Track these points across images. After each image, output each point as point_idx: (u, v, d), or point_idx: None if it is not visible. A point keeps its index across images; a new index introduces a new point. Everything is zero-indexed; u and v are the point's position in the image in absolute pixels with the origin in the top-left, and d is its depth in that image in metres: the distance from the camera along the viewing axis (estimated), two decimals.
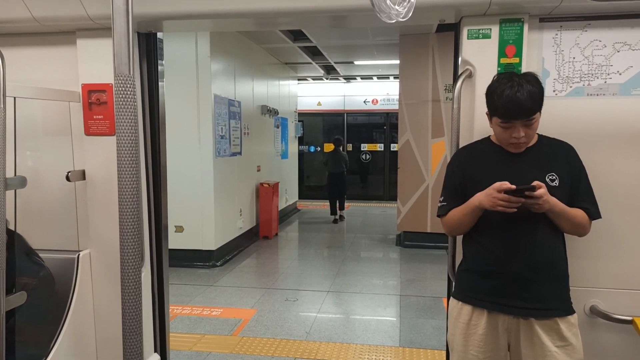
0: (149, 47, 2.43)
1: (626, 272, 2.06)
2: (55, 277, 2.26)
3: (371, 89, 12.20)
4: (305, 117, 12.32)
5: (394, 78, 10.99)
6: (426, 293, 5.15)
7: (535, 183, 1.62)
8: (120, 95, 0.97)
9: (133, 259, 1.02)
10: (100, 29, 2.22)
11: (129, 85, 0.96)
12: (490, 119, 1.81)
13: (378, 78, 11.92)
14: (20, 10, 2.16)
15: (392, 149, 11.97)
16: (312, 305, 4.80)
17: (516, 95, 1.65)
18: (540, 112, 1.73)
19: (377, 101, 12.19)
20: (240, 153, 7.04)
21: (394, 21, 0.88)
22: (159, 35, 2.48)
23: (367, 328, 4.22)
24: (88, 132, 2.32)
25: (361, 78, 12.08)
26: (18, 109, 2.11)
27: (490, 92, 1.75)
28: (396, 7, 0.87)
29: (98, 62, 2.26)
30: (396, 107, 7.78)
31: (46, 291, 2.22)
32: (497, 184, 1.66)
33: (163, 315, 2.61)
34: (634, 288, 2.06)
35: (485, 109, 1.84)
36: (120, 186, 1.00)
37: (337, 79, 12.26)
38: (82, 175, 2.34)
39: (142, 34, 2.39)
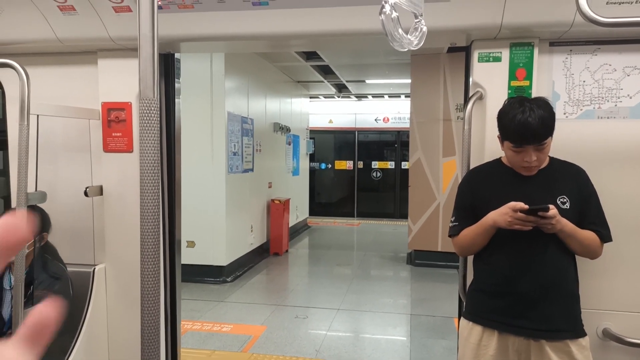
0: (167, 67, 2.51)
1: (639, 294, 2.06)
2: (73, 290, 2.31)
3: (382, 107, 12.27)
4: (317, 135, 12.40)
5: (405, 96, 11.04)
6: (437, 313, 5.11)
7: (543, 206, 1.64)
8: (145, 117, 1.02)
9: (153, 275, 1.06)
10: (121, 49, 2.29)
11: (153, 109, 1.01)
12: (502, 142, 1.83)
13: (389, 96, 11.99)
14: (45, 32, 2.25)
15: (403, 167, 11.98)
16: (322, 323, 4.79)
17: (528, 121, 1.66)
18: (552, 137, 1.75)
19: (388, 119, 12.24)
20: (252, 169, 7.11)
21: (405, 49, 0.92)
22: (177, 55, 2.55)
23: (377, 347, 4.19)
24: (107, 148, 2.39)
25: (372, 96, 12.16)
26: (40, 125, 2.19)
27: (502, 117, 1.77)
28: (409, 36, 0.91)
29: (118, 81, 2.33)
30: (407, 125, 7.82)
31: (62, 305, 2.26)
32: (512, 204, 1.68)
33: (175, 330, 2.64)
34: None
35: (496, 131, 1.87)
36: (142, 205, 1.04)
37: (349, 97, 12.35)
38: (100, 190, 2.40)
39: (161, 55, 2.46)
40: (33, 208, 2.08)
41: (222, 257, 6.17)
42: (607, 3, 1.80)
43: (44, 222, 2.25)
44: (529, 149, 1.71)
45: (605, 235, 1.79)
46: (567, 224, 1.70)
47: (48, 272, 2.26)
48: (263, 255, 7.65)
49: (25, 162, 1.93)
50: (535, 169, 1.79)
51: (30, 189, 2.11)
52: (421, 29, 0.97)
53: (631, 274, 2.05)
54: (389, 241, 9.55)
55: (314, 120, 12.28)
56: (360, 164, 12.50)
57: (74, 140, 2.48)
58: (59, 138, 2.51)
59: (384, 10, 0.88)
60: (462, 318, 1.96)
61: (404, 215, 10.14)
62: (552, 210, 1.64)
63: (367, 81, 10.00)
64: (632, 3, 1.80)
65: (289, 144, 9.54)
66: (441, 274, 6.59)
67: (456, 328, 2.51)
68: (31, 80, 1.97)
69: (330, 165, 12.85)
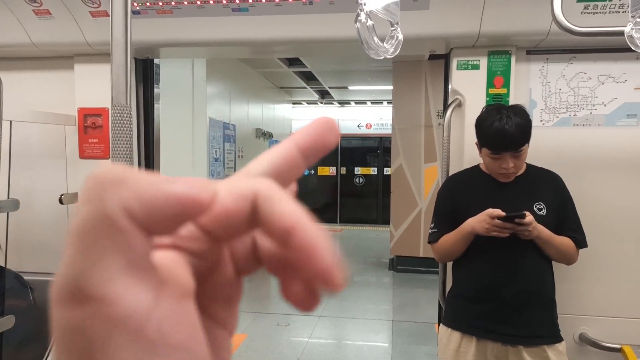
0: (145, 72, 2.47)
1: (614, 299, 2.09)
2: (46, 300, 2.25)
3: (365, 114, 12.33)
4: None
5: (388, 103, 11.11)
6: (418, 319, 5.13)
7: (519, 213, 1.66)
8: (117, 124, 1.00)
9: None
10: (98, 54, 2.26)
11: (125, 115, 0.99)
12: (479, 149, 1.85)
13: (372, 103, 12.05)
14: (20, 36, 2.20)
15: (385, 173, 12.03)
16: (304, 330, 4.76)
17: (504, 128, 1.68)
18: (528, 144, 1.77)
19: (370, 125, 12.30)
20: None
21: (382, 57, 0.91)
22: (156, 60, 2.52)
23: (359, 354, 4.18)
24: (83, 155, 2.34)
25: (355, 103, 12.21)
26: (14, 131, 2.14)
27: (480, 124, 1.79)
28: (384, 44, 0.91)
29: (95, 86, 2.29)
30: (389, 131, 7.87)
31: (37, 314, 2.21)
32: (490, 211, 1.69)
33: None
34: (623, 316, 2.08)
35: (475, 138, 1.88)
36: None
37: (332, 103, 12.38)
38: (76, 198, 2.35)
39: (139, 60, 2.43)
40: None
41: None
42: (581, 12, 1.84)
43: None
44: (506, 156, 1.73)
45: (581, 241, 1.81)
46: (543, 231, 1.72)
47: (19, 280, 2.20)
48: None
49: None
50: (513, 175, 1.80)
51: (2, 196, 2.06)
52: (397, 37, 0.97)
53: (607, 279, 2.08)
54: (371, 247, 9.57)
55: (297, 126, 12.27)
56: (343, 170, 12.52)
57: (49, 147, 2.43)
58: (33, 144, 2.46)
59: (359, 18, 0.87)
60: (441, 324, 1.97)
61: (386, 221, 10.18)
62: (529, 217, 1.66)
63: (350, 87, 10.04)
64: (605, 13, 1.84)
65: None
66: (423, 279, 6.62)
67: (437, 334, 2.52)
68: (6, 86, 1.92)
69: (312, 171, 12.85)
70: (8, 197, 2.12)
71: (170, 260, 0.22)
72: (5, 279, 2.04)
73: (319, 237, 0.20)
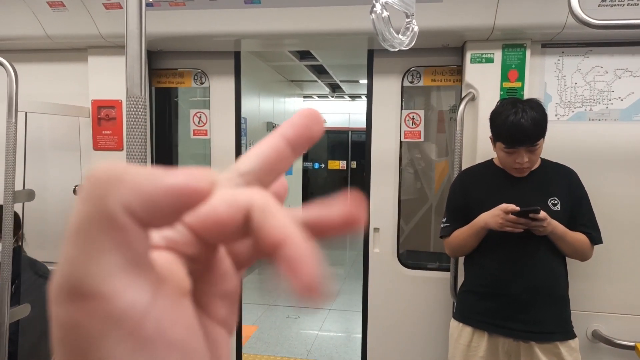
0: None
1: (629, 297, 2.06)
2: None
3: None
4: None
5: None
6: None
7: (533, 207, 1.64)
8: (132, 115, 1.00)
9: None
10: (112, 47, 2.27)
11: (140, 107, 0.99)
12: (493, 143, 1.83)
13: None
14: (34, 28, 2.22)
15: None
16: (314, 323, 4.78)
17: (520, 122, 1.65)
18: (544, 138, 1.74)
19: None
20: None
21: (397, 49, 0.91)
22: None
23: None
24: (96, 146, 2.36)
25: (366, 96, 12.17)
26: (29, 123, 2.16)
27: (494, 118, 1.77)
28: (400, 36, 0.90)
29: (108, 78, 2.31)
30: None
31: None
32: (504, 206, 1.67)
33: None
34: (637, 313, 2.06)
35: (488, 132, 1.86)
36: None
37: (343, 97, 12.34)
38: None
39: (153, 52, 2.44)
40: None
41: None
42: (598, 5, 1.81)
43: (17, 221, 2.22)
44: (521, 151, 1.71)
45: (595, 238, 1.79)
46: (557, 226, 1.70)
47: (36, 272, 2.23)
48: None
49: (13, 160, 1.91)
50: (527, 170, 1.78)
51: (18, 187, 2.09)
52: (412, 28, 0.96)
53: (621, 276, 2.06)
54: None
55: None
56: (354, 164, 12.50)
57: (64, 138, 2.45)
58: (48, 136, 2.48)
59: (374, 9, 0.87)
60: (452, 319, 1.96)
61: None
62: (543, 213, 1.64)
63: (361, 81, 10.00)
64: (623, 5, 1.80)
65: None
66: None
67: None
68: (21, 78, 1.94)
69: (323, 165, 12.84)
70: (24, 188, 2.14)
71: (166, 260, 0.22)
72: (20, 268, 2.06)
73: (305, 254, 0.20)
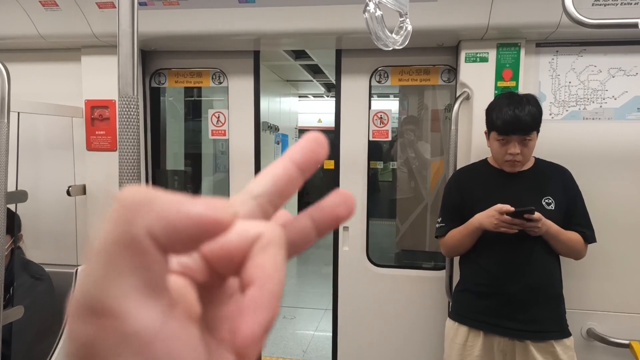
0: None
1: (623, 295, 2.07)
2: (54, 291, 2.26)
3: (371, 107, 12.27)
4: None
5: (394, 97, 11.05)
6: None
7: (528, 208, 1.64)
8: (124, 115, 0.99)
9: None
10: (105, 46, 2.26)
11: (132, 106, 0.98)
12: (488, 136, 1.84)
13: (378, 96, 12.00)
14: (27, 28, 2.20)
15: (392, 167, 11.97)
16: (310, 324, 4.77)
17: (515, 112, 1.69)
18: (537, 133, 1.76)
19: None
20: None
21: (390, 49, 0.90)
22: None
23: None
24: (90, 147, 2.35)
25: (335, 96, 12.13)
26: (21, 123, 2.14)
27: (490, 109, 1.79)
28: (393, 35, 0.90)
29: (102, 78, 2.29)
30: (396, 125, 7.81)
31: (44, 304, 2.22)
32: (499, 206, 1.67)
33: None
34: (631, 311, 2.07)
35: (483, 129, 1.87)
36: None
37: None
38: (83, 190, 2.36)
39: (146, 52, 2.43)
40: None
41: None
42: (592, 4, 1.81)
43: (18, 222, 2.21)
44: (514, 141, 1.72)
45: (589, 237, 1.80)
46: (552, 226, 1.70)
47: (29, 272, 2.21)
48: None
49: (6, 160, 1.89)
50: (519, 164, 1.78)
51: (11, 188, 2.07)
52: (406, 28, 0.96)
53: (616, 275, 2.07)
54: (377, 241, 9.55)
55: (303, 119, 12.22)
56: None
57: (57, 139, 2.44)
58: (41, 136, 2.47)
59: (367, 8, 0.86)
60: (448, 319, 1.96)
61: (392, 215, 10.13)
62: (537, 213, 1.64)
63: None
64: (617, 5, 1.81)
65: (278, 143, 9.50)
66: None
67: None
68: (13, 77, 1.92)
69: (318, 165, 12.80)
70: (16, 189, 2.13)
71: (179, 284, 0.23)
72: (14, 270, 2.05)
73: (263, 305, 0.21)
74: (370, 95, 2.42)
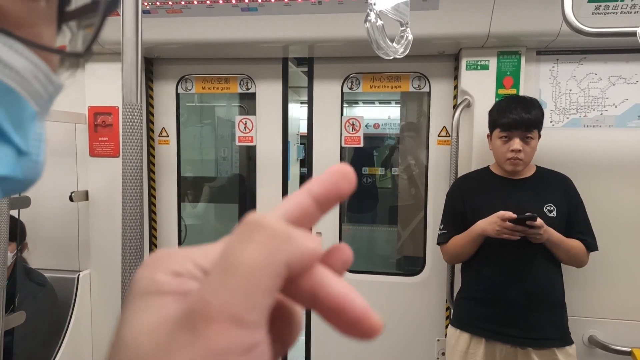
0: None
1: (625, 302, 2.07)
2: (56, 296, 2.27)
3: (373, 114, 12.29)
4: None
5: (396, 103, 11.06)
6: None
7: (530, 214, 1.64)
8: (128, 123, 1.00)
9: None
10: (109, 53, 2.27)
11: (136, 114, 0.99)
12: (490, 138, 1.85)
13: (380, 103, 12.02)
14: None
15: (393, 173, 11.96)
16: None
17: (517, 110, 1.74)
18: (539, 134, 1.78)
19: (378, 125, 12.28)
20: (245, 174, 7.06)
21: (391, 57, 0.91)
22: None
23: None
24: (93, 153, 2.36)
25: (363, 102, 12.19)
26: None
27: (494, 108, 1.84)
28: (394, 44, 0.91)
29: (105, 85, 2.31)
30: (396, 131, 7.81)
31: (46, 311, 2.23)
32: (501, 213, 1.68)
33: None
34: (633, 319, 2.06)
35: (484, 137, 1.87)
36: (124, 209, 1.03)
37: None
38: (85, 195, 2.37)
39: (149, 59, 2.45)
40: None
41: None
42: (592, 13, 1.82)
43: (23, 230, 2.21)
44: (516, 138, 1.74)
45: (591, 244, 1.80)
46: (553, 234, 1.70)
47: (32, 279, 2.22)
48: None
49: None
50: (521, 164, 1.78)
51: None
52: (407, 37, 0.97)
53: (617, 282, 2.07)
54: (378, 247, 9.51)
55: (305, 125, 12.24)
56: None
57: (60, 145, 2.45)
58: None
59: (369, 18, 0.87)
60: (449, 326, 1.96)
61: (394, 222, 10.09)
62: (539, 220, 1.65)
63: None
64: (617, 13, 1.82)
65: None
66: None
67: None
68: None
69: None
70: (19, 195, 2.14)
71: None
72: (16, 275, 2.06)
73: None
74: (343, 102, 2.42)
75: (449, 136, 2.30)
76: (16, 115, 0.29)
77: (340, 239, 2.47)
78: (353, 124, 2.41)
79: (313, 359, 2.50)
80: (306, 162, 2.49)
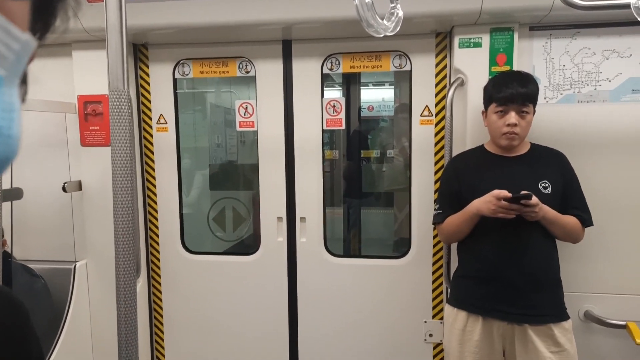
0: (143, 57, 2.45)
1: (619, 277, 2.08)
2: (51, 287, 2.26)
3: (367, 96, 12.23)
4: None
5: (389, 85, 11.00)
6: None
7: (525, 193, 1.64)
8: (115, 110, 0.99)
9: (127, 270, 1.03)
10: (96, 41, 2.24)
11: (123, 100, 0.98)
12: (485, 113, 1.85)
13: (374, 85, 11.95)
14: None
15: (388, 155, 11.95)
16: None
17: (513, 84, 1.74)
18: (534, 109, 1.78)
19: (372, 108, 12.22)
20: (236, 161, 7.04)
21: (381, 35, 0.90)
22: None
23: None
24: (84, 142, 2.33)
25: (361, 86, 12.11)
26: None
27: (489, 83, 1.85)
28: (384, 21, 0.89)
29: (93, 73, 2.27)
30: (390, 113, 7.78)
31: (42, 304, 2.22)
32: (496, 192, 1.68)
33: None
34: (627, 293, 2.08)
35: (478, 115, 1.86)
36: (115, 198, 1.01)
37: (333, 86, 12.29)
38: (79, 186, 2.35)
39: (137, 45, 2.41)
40: None
41: None
42: None
43: None
44: (512, 112, 1.74)
45: (586, 220, 1.80)
46: (549, 211, 1.70)
47: (28, 272, 2.21)
48: None
49: None
50: (517, 139, 1.78)
51: (6, 185, 2.06)
52: (397, 14, 0.95)
53: (612, 257, 2.08)
54: (375, 229, 9.53)
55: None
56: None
57: (51, 135, 2.42)
58: (34, 133, 2.45)
59: None
60: (446, 305, 1.97)
61: (390, 204, 10.11)
62: (535, 199, 1.65)
63: None
64: None
65: None
66: None
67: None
68: None
69: None
70: (11, 186, 2.12)
71: None
72: (11, 268, 2.05)
73: None
74: (323, 84, 2.37)
75: (432, 115, 2.28)
76: None
77: (324, 223, 2.46)
78: (334, 106, 2.38)
79: (301, 339, 2.51)
80: (286, 146, 2.42)
